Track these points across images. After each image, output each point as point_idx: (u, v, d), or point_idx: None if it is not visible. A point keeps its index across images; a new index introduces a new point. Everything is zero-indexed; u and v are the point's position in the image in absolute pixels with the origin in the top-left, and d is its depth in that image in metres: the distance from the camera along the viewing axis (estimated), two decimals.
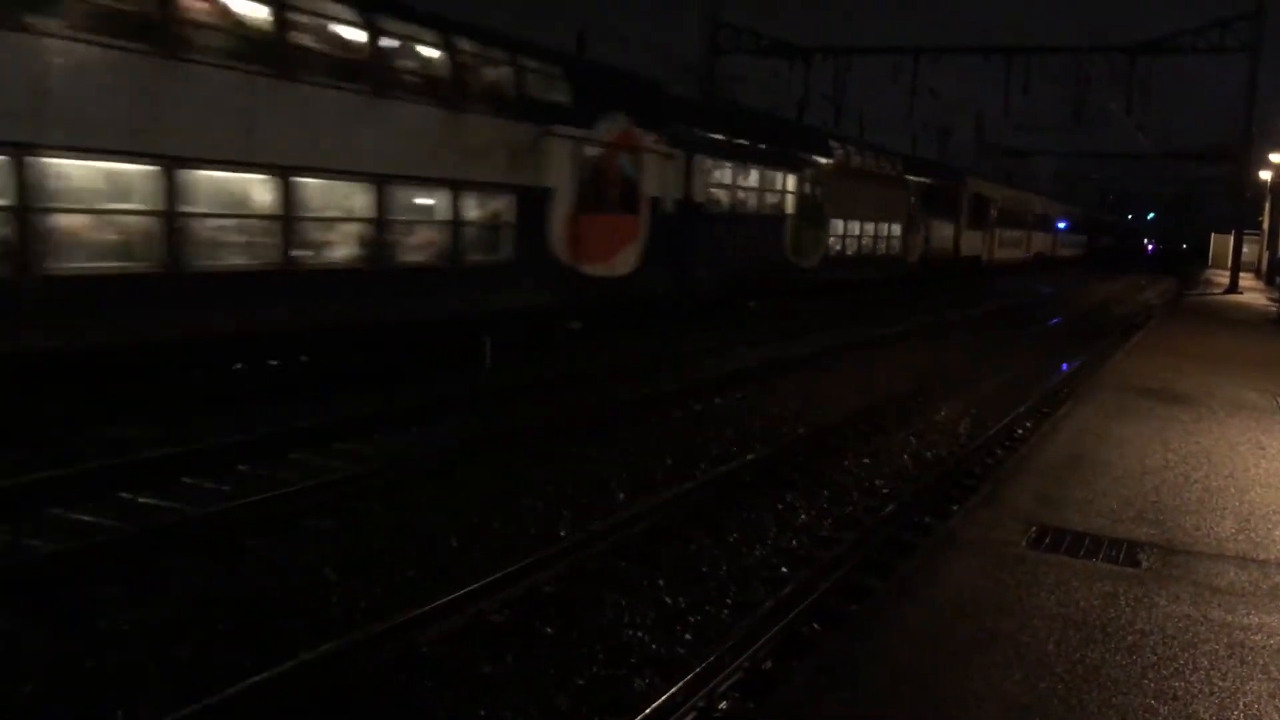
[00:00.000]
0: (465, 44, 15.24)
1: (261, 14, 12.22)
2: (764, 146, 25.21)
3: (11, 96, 9.75)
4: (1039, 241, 61.63)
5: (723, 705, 5.49)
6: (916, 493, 9.63)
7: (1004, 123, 68.62)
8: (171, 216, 11.14)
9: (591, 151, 17.85)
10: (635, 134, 19.14)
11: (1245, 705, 4.51)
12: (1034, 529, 6.93)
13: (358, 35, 13.45)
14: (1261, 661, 4.98)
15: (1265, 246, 53.90)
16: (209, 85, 11.50)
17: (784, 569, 7.67)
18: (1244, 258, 42.57)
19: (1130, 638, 5.18)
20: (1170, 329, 22.97)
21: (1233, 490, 8.25)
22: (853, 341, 20.60)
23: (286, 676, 5.30)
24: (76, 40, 10.24)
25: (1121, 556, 6.48)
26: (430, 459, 9.92)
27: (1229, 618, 5.52)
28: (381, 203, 13.71)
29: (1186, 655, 5.00)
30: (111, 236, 11.11)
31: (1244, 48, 36.41)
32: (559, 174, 17.04)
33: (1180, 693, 4.60)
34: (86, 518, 7.99)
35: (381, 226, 13.80)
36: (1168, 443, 9.92)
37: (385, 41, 13.91)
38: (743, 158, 24.07)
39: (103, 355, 10.76)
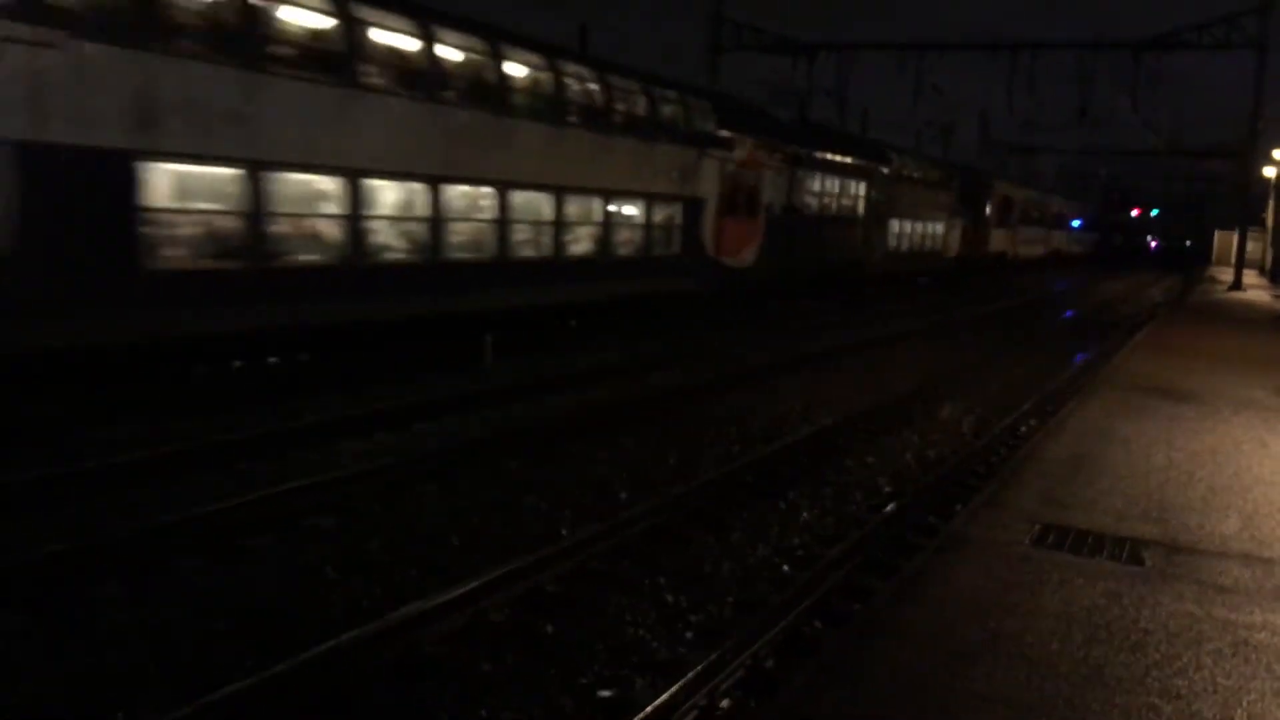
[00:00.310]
0: (656, 91, 20.21)
1: (547, 79, 17.07)
2: (842, 159, 29.70)
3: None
4: (1056, 239, 66.21)
5: (724, 704, 5.47)
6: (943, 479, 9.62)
7: (1008, 119, 68.63)
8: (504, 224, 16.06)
9: (730, 168, 22.58)
10: (757, 153, 23.85)
11: (1249, 704, 4.48)
12: (1038, 528, 6.90)
13: (599, 89, 18.52)
14: (1266, 660, 4.95)
15: (1269, 244, 53.80)
16: (477, 128, 15.44)
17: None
18: (1248, 255, 42.49)
19: (1134, 636, 5.16)
20: (1174, 326, 22.93)
21: (1237, 488, 8.22)
22: (908, 331, 23.55)
23: (286, 676, 5.29)
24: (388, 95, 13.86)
25: (1125, 555, 6.45)
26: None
27: (1233, 616, 5.49)
28: (607, 210, 18.67)
29: (1190, 654, 4.98)
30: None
31: (1250, 44, 36.31)
32: (710, 187, 21.88)
33: (1184, 691, 4.57)
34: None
35: (607, 228, 18.77)
36: (1172, 441, 9.89)
37: (614, 93, 18.93)
38: (828, 170, 28.49)
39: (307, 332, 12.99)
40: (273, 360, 13.11)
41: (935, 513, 9.03)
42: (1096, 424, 10.61)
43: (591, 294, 18.35)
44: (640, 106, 19.66)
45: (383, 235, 13.93)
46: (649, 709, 5.14)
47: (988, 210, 47.04)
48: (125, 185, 10.52)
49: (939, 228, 40.17)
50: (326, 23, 12.89)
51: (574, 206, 17.73)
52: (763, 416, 12.89)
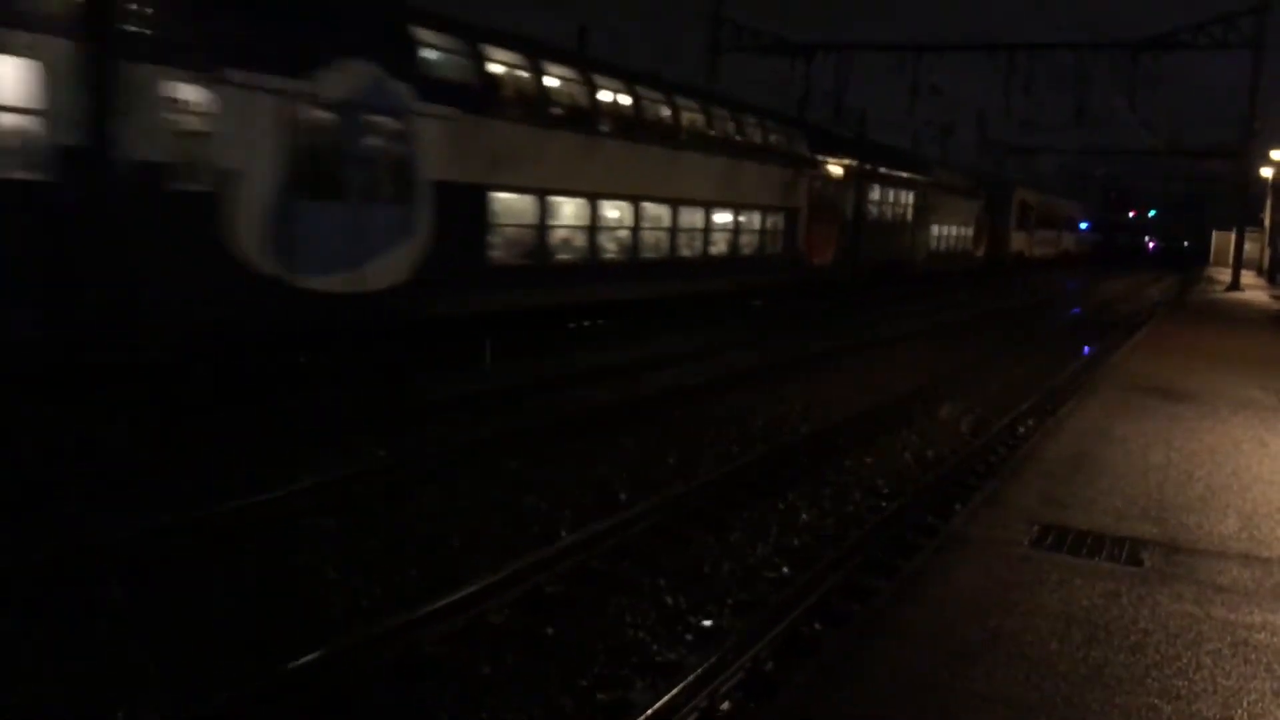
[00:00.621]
0: (768, 123, 25.46)
1: (701, 119, 22.19)
2: (895, 173, 34.70)
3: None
4: (1066, 240, 71.61)
5: (724, 706, 5.48)
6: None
7: (1006, 120, 68.59)
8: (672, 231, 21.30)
9: (817, 184, 27.64)
10: (835, 170, 29.01)
11: (1249, 704, 4.49)
12: (1037, 527, 6.91)
13: (733, 125, 23.59)
14: (1265, 660, 4.96)
15: (1267, 244, 53.84)
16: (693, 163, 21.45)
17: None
18: (1246, 255, 42.52)
19: (1133, 637, 5.16)
20: (1173, 326, 22.95)
21: (1236, 488, 8.23)
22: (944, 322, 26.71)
23: (288, 677, 5.29)
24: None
25: (1124, 555, 6.46)
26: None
27: (1232, 616, 5.50)
28: (738, 220, 23.74)
29: (1190, 654, 4.98)
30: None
31: (1247, 44, 36.34)
32: (804, 199, 26.84)
33: (1184, 691, 4.58)
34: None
35: (737, 233, 23.77)
36: (1170, 440, 9.90)
37: (744, 127, 24.08)
38: (885, 182, 33.47)
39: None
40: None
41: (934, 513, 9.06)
42: (1096, 423, 10.62)
43: (726, 285, 23.35)
44: (757, 136, 24.63)
45: (607, 240, 19.04)
46: (650, 711, 5.14)
47: (1009, 215, 52.15)
48: (481, 207, 15.56)
49: (970, 230, 45.29)
50: (579, 90, 18.23)
51: (717, 217, 22.76)
52: (838, 394, 13.40)
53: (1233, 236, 42.75)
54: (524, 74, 16.77)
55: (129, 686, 5.41)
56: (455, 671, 5.76)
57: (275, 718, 5.08)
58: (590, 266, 18.45)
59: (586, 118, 18.20)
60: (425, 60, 14.58)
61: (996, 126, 71.02)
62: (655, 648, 6.22)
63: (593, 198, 18.14)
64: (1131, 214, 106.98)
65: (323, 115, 12.52)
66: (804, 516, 9.01)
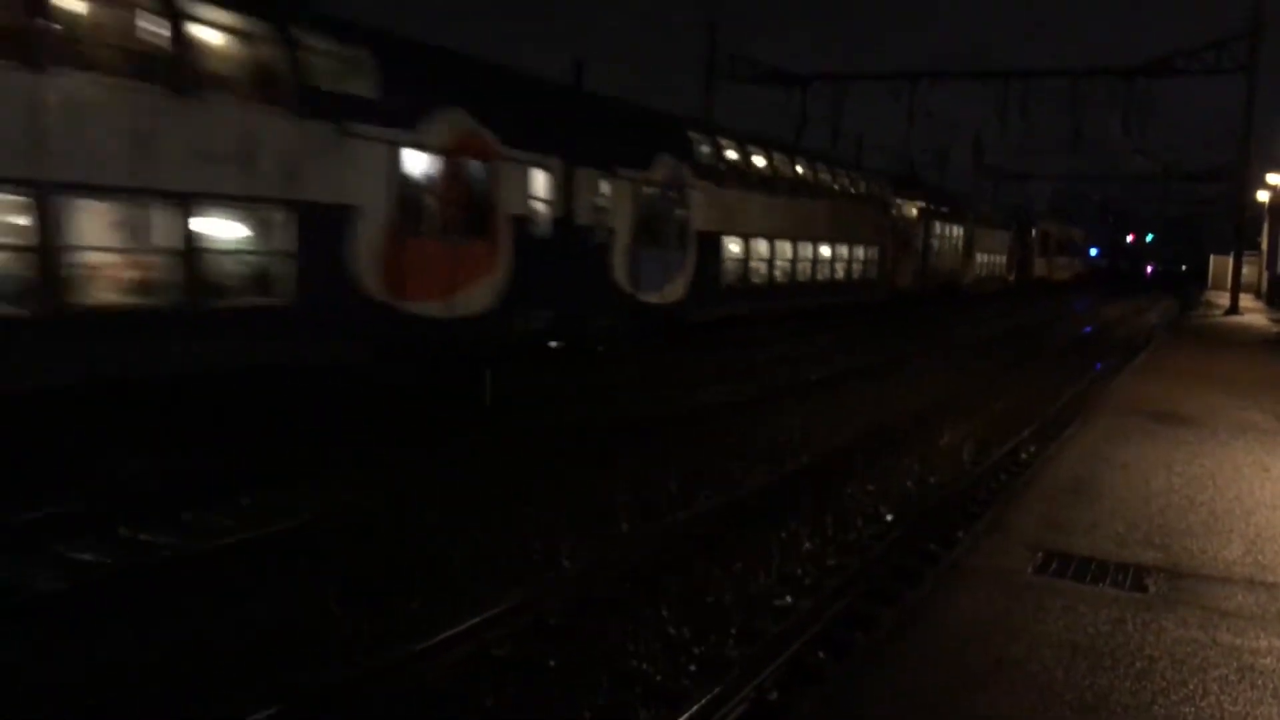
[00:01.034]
0: (868, 175, 33.42)
1: (826, 177, 29.27)
2: (953, 210, 43.24)
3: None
4: (1078, 264, 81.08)
5: None
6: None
7: (1002, 145, 69.08)
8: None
9: (899, 223, 35.19)
10: (909, 210, 36.47)
11: None
12: (1040, 554, 6.89)
13: (847, 179, 31.10)
14: (1272, 685, 4.93)
15: (1264, 267, 53.95)
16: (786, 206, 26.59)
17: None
18: (1244, 278, 42.60)
19: (1139, 663, 5.14)
20: (1172, 350, 22.96)
21: (1238, 512, 8.21)
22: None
23: (289, 709, 5.27)
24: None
25: (1128, 581, 6.44)
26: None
27: (1238, 641, 5.48)
28: (851, 252, 30.67)
29: (1196, 680, 4.96)
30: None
31: (1240, 68, 36.55)
32: (887, 235, 33.79)
33: (1191, 718, 4.56)
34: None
35: (850, 261, 30.66)
36: (1172, 465, 9.89)
37: (851, 180, 31.32)
38: (944, 218, 41.27)
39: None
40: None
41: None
42: (1097, 448, 10.62)
43: (844, 300, 29.97)
44: (860, 186, 31.63)
45: (778, 269, 25.71)
46: None
47: (1033, 242, 60.88)
48: (719, 248, 22.50)
49: (1003, 258, 54.30)
50: (761, 161, 25.17)
51: (840, 250, 29.73)
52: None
53: (1230, 260, 42.86)
54: (736, 155, 23.82)
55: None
56: (458, 703, 5.72)
57: None
58: (769, 287, 25.38)
59: (767, 182, 25.12)
60: (697, 152, 21.50)
61: (992, 152, 71.59)
62: (658, 678, 6.18)
63: (770, 238, 25.07)
64: (1130, 238, 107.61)
65: (652, 191, 19.65)
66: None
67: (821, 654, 6.50)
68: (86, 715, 5.48)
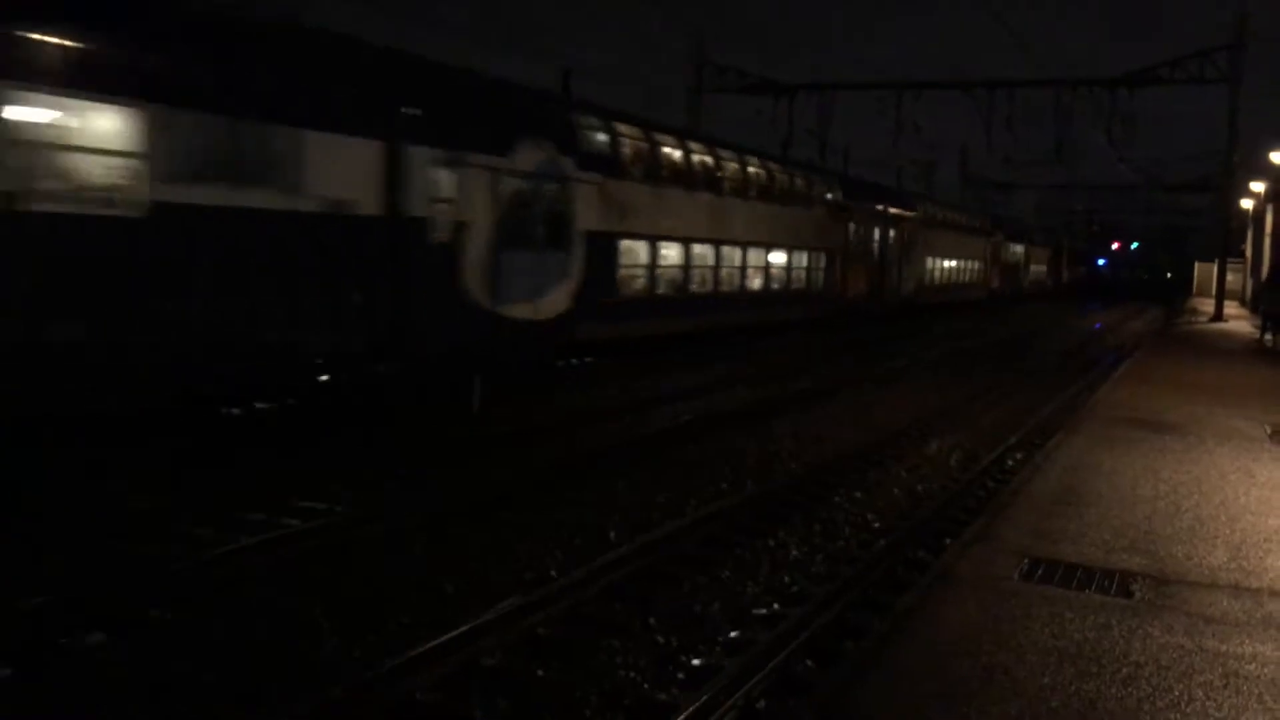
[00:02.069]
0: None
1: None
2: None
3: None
4: (1081, 271, 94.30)
5: None
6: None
7: (988, 156, 69.56)
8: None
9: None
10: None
11: None
12: (1027, 561, 6.92)
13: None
14: (1257, 691, 4.96)
15: (1248, 274, 54.28)
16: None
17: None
18: (1228, 286, 42.84)
19: (1125, 669, 5.17)
20: (1158, 358, 23.07)
21: (1224, 519, 8.26)
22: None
23: None
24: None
25: (1114, 587, 6.47)
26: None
27: (1223, 647, 5.51)
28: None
29: (1181, 686, 4.99)
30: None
31: (1224, 78, 36.81)
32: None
33: None
34: None
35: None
36: (1158, 472, 9.94)
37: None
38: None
39: None
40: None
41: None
42: (1083, 456, 10.66)
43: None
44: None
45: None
46: None
47: (1053, 254, 75.30)
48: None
49: (1042, 268, 70.10)
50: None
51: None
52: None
53: (1215, 268, 43.11)
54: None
55: None
56: (449, 717, 5.71)
57: None
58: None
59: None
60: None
61: (978, 162, 71.98)
62: (647, 688, 6.18)
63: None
64: (1115, 246, 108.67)
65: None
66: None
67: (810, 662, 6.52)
68: None
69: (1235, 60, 36.45)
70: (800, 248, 27.94)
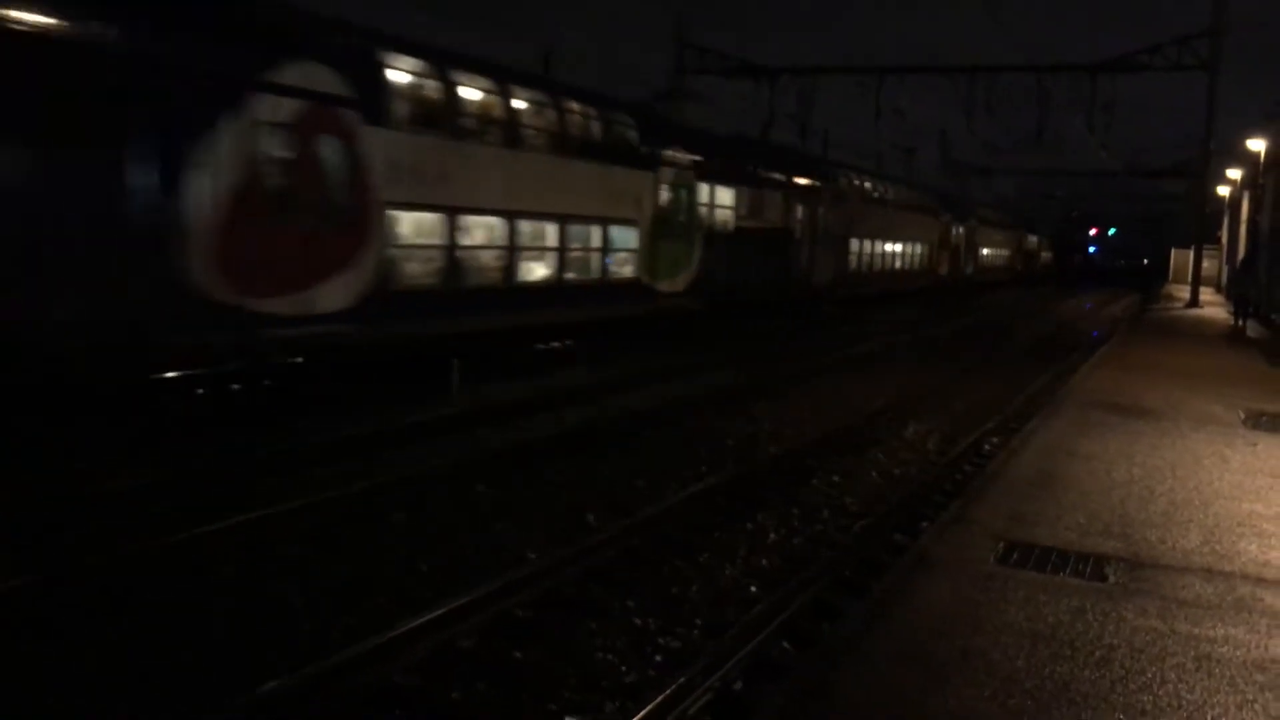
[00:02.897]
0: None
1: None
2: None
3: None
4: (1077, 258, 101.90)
5: None
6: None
7: (968, 141, 69.86)
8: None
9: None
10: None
11: (1213, 718, 4.54)
12: (1003, 545, 6.96)
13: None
14: (1229, 674, 5.01)
15: (1224, 261, 54.66)
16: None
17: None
18: (1204, 272, 43.15)
19: (1099, 652, 5.21)
20: (1134, 344, 23.21)
21: (1197, 503, 8.33)
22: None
23: (252, 708, 5.23)
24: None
25: (1089, 571, 6.52)
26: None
27: (1196, 630, 5.56)
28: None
29: (1154, 668, 5.03)
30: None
31: (1202, 65, 36.97)
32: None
33: (1149, 706, 4.62)
34: None
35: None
36: (1133, 457, 10.01)
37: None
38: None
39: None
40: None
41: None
42: (1060, 440, 10.72)
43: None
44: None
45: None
46: None
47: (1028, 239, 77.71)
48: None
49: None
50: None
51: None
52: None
53: (1191, 254, 43.38)
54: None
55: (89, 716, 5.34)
56: (425, 699, 5.71)
57: None
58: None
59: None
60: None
61: (958, 147, 72.17)
62: (624, 669, 6.20)
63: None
64: (1093, 232, 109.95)
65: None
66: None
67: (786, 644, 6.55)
68: None
69: (1214, 47, 36.62)
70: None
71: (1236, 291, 30.43)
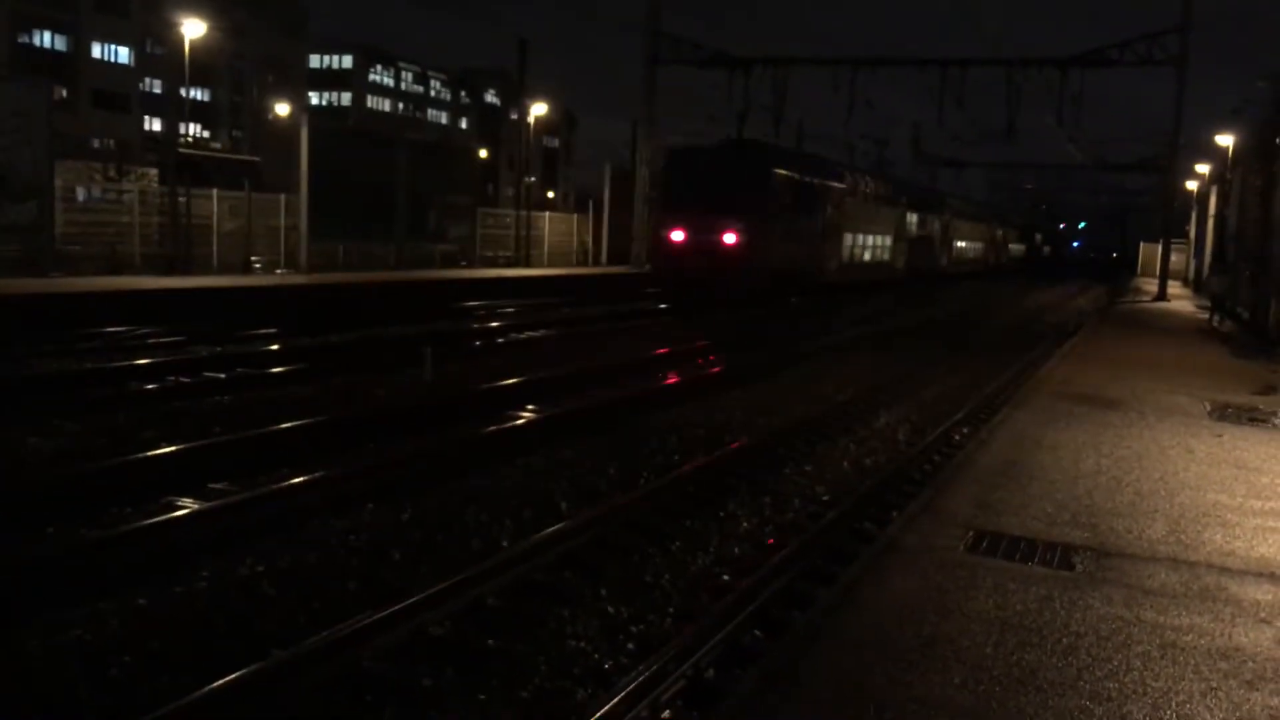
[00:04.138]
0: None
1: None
2: (980, 212, 70.20)
3: None
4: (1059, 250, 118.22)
5: (665, 715, 5.48)
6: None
7: (939, 134, 70.29)
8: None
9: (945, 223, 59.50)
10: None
11: (1178, 705, 4.59)
12: (971, 534, 7.01)
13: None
14: (1193, 662, 5.07)
15: (1191, 255, 55.25)
16: None
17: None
18: (1172, 266, 43.60)
19: (1065, 640, 5.26)
20: (1101, 336, 23.44)
21: (1163, 493, 8.42)
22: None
23: (219, 695, 5.19)
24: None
25: (1056, 560, 6.58)
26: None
27: (1161, 619, 5.62)
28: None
29: (1120, 656, 5.09)
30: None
31: (1171, 60, 37.31)
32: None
33: (1114, 693, 4.67)
34: None
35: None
36: (1100, 447, 10.11)
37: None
38: (968, 218, 65.73)
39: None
40: None
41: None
42: (1027, 431, 10.82)
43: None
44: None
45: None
46: None
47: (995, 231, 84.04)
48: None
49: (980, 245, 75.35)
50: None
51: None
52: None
53: (1159, 248, 43.83)
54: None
55: (58, 707, 5.29)
56: (396, 685, 5.69)
57: None
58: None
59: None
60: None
61: (929, 140, 72.60)
62: (596, 657, 6.21)
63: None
64: (1061, 226, 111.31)
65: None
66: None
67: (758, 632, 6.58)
68: None
69: (1183, 43, 36.96)
70: (883, 233, 48.03)
71: (1214, 289, 30.53)
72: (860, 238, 40.61)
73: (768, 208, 30.49)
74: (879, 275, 42.83)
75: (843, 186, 38.00)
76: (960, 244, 62.57)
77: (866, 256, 41.85)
